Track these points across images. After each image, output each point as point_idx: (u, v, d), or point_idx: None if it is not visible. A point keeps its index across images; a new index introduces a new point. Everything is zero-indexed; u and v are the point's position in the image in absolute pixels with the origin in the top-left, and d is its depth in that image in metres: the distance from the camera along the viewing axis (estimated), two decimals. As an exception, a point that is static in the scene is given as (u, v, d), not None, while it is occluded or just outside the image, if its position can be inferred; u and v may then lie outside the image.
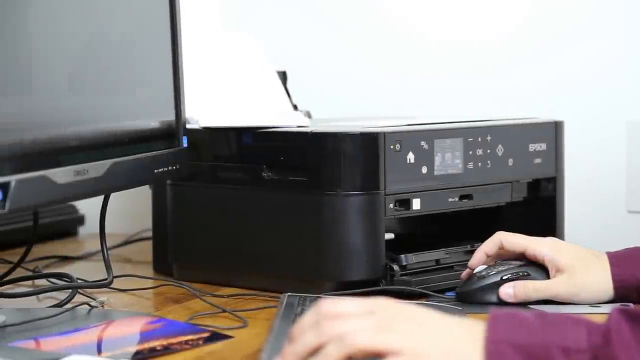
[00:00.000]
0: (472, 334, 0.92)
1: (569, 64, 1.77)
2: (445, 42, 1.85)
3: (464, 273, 1.32)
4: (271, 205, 1.36)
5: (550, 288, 1.26)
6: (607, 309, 1.23)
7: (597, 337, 0.91)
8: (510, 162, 1.46)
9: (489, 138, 1.43)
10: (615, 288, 1.25)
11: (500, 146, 1.44)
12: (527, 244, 1.29)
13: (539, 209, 1.49)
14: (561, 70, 1.77)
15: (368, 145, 1.31)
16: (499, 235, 1.31)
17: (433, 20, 1.86)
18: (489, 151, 1.43)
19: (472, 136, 1.41)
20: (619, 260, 1.27)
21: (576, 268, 1.26)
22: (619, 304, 1.25)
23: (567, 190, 1.54)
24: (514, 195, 1.48)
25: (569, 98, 1.77)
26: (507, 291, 1.27)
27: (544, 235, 1.32)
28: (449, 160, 1.39)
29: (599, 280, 1.26)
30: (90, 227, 1.85)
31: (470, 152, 1.41)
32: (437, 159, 1.37)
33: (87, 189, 1.18)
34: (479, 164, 1.42)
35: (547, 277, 1.28)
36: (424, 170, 1.36)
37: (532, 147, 1.49)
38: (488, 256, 1.31)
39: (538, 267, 1.29)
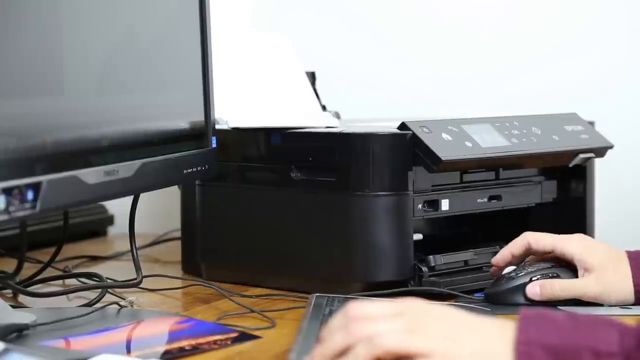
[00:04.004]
0: (502, 335, 0.91)
1: (602, 62, 1.76)
2: (477, 42, 1.84)
3: (492, 269, 1.31)
4: (300, 205, 1.36)
5: (577, 287, 1.24)
6: (638, 310, 1.22)
7: (629, 340, 0.90)
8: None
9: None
10: (636, 292, 1.23)
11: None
12: (556, 243, 1.27)
13: (569, 210, 1.48)
14: (594, 68, 1.76)
15: (397, 146, 1.31)
16: (526, 235, 1.28)
17: (463, 21, 1.85)
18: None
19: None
20: (637, 262, 1.24)
21: (605, 268, 1.24)
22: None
23: (597, 191, 1.53)
24: (544, 196, 1.47)
25: (602, 96, 1.76)
26: (534, 290, 1.25)
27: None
28: (478, 161, 1.38)
29: (625, 281, 1.24)
30: (119, 227, 1.86)
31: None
32: (466, 160, 1.37)
33: (116, 189, 1.18)
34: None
35: (577, 277, 1.27)
36: (453, 171, 1.36)
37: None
38: (514, 256, 1.30)
39: (567, 268, 1.28)
